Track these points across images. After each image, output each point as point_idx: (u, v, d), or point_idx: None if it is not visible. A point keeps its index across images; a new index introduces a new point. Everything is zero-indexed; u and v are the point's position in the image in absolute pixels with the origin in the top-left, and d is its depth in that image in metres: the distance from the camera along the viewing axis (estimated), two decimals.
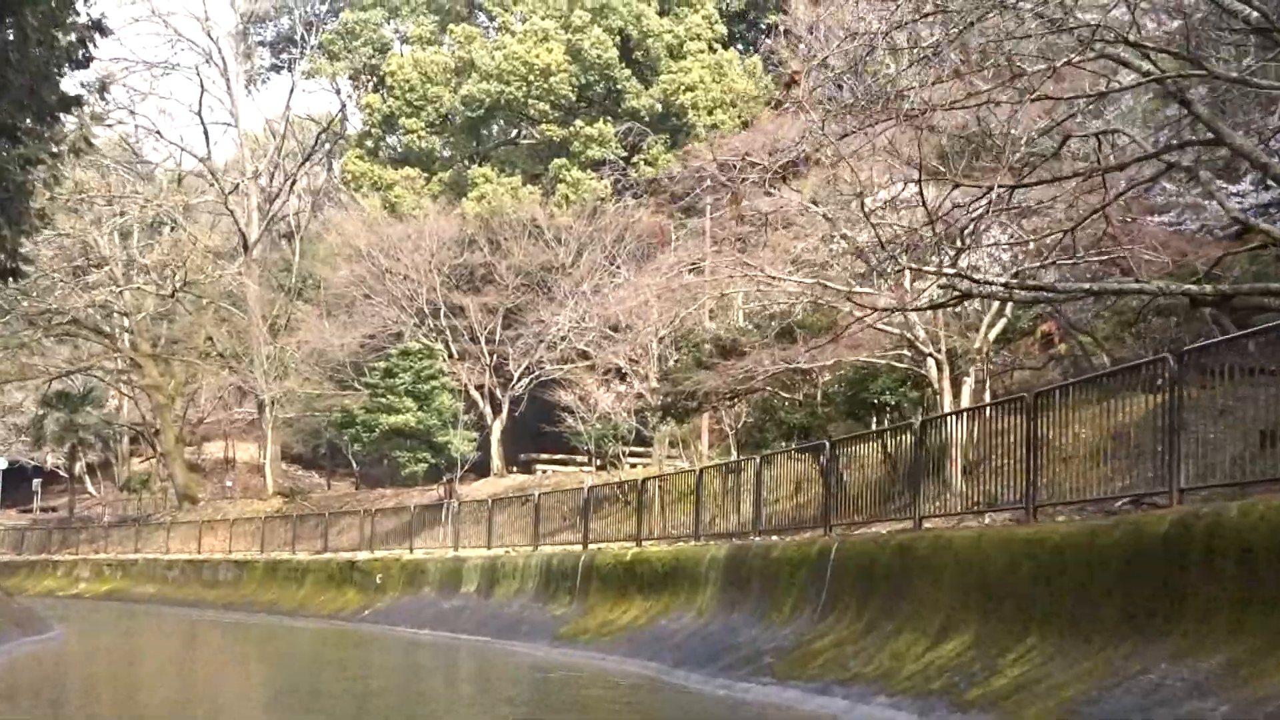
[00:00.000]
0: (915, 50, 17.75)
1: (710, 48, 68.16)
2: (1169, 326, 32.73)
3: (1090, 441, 17.58)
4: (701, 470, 32.72)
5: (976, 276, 17.52)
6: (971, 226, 18.87)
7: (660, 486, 36.03)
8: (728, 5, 71.62)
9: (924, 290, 31.35)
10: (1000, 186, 18.47)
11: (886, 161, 29.18)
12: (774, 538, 26.42)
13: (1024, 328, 36.13)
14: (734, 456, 38.38)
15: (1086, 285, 18.95)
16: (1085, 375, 18.77)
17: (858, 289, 27.90)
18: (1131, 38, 16.95)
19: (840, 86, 30.30)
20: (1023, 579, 15.62)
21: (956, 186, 18.97)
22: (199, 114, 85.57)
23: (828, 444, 25.17)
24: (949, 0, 17.72)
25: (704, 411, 38.92)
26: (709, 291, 36.05)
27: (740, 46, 71.73)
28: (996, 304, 32.03)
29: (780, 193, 33.90)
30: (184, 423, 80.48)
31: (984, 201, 18.70)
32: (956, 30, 17.33)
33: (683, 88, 65.81)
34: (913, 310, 25.55)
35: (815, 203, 32.49)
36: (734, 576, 25.38)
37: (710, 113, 64.28)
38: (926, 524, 20.93)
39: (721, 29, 69.69)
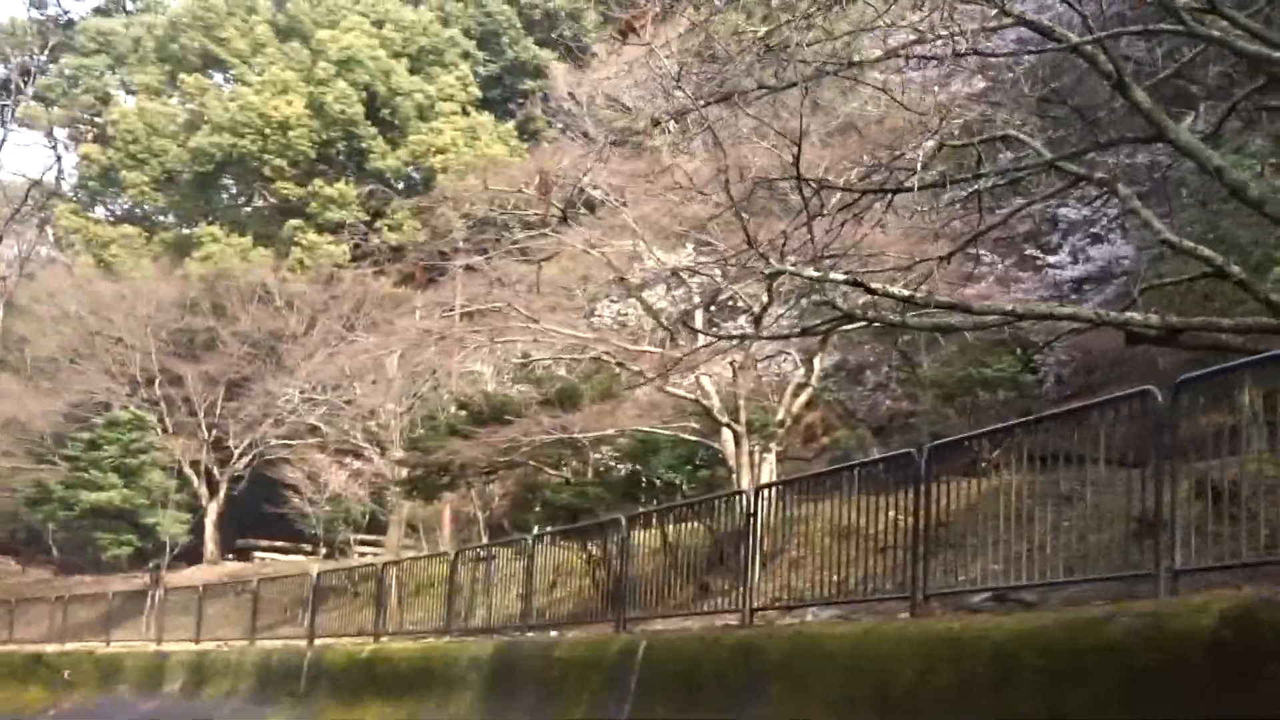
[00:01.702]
0: None
1: (464, 110, 63.99)
2: (996, 404, 29.20)
3: (1006, 512, 13.34)
4: (457, 553, 27.82)
5: (875, 285, 13.27)
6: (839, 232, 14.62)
7: (403, 574, 31.05)
8: (483, 68, 67.41)
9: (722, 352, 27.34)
10: (880, 189, 14.32)
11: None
12: (552, 633, 21.76)
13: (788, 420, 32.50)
14: (485, 542, 33.74)
15: (1008, 306, 14.84)
16: (1028, 417, 14.29)
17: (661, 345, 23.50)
18: None
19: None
20: (944, 693, 11.21)
21: (823, 188, 14.74)
22: None
23: (622, 521, 20.61)
24: None
25: (457, 487, 34.01)
26: (460, 345, 31.41)
27: (496, 113, 67.40)
28: (802, 369, 28.31)
29: (558, 235, 29.59)
30: None
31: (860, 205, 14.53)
32: None
33: (433, 150, 61.32)
34: (779, 338, 21.28)
35: (594, 246, 28.15)
36: (502, 679, 20.58)
37: (462, 177, 59.56)
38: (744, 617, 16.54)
39: (476, 91, 65.50)
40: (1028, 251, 31.96)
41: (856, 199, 14.72)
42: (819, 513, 16.71)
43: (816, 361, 27.92)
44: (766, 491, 17.26)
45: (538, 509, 31.75)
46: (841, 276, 13.47)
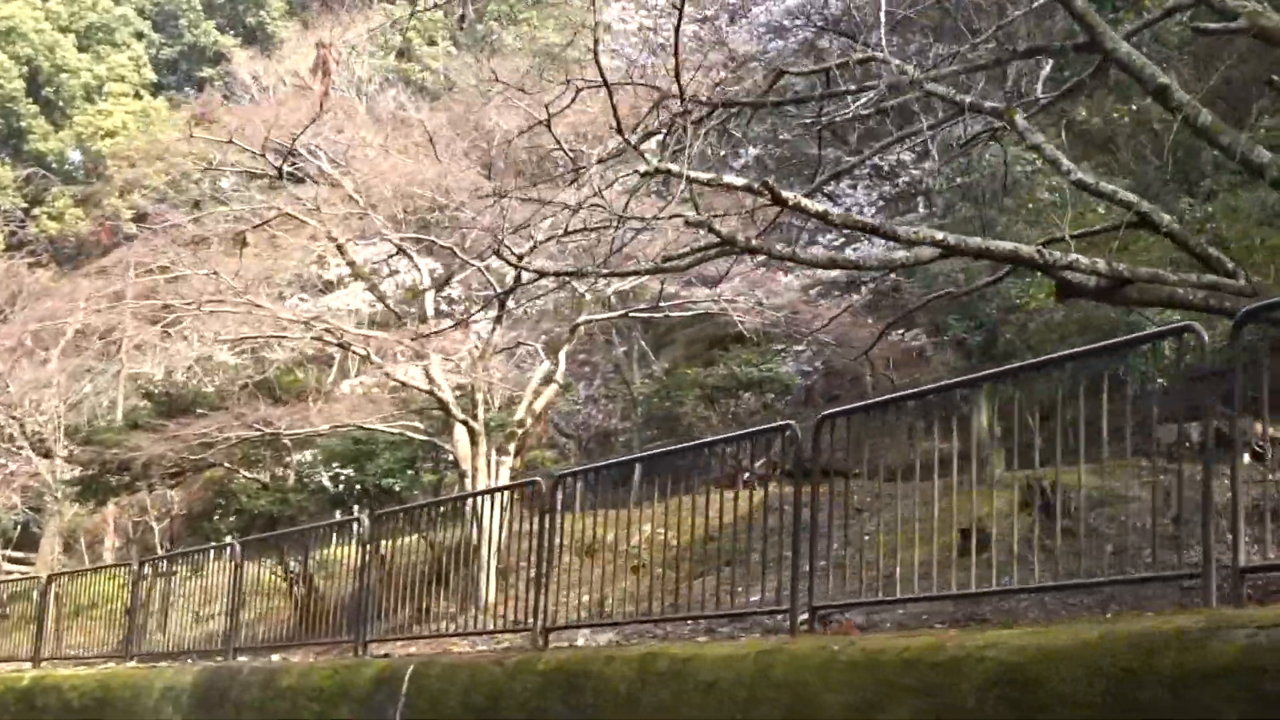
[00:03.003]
0: None
1: (137, 94, 59.16)
2: (759, 408, 26.81)
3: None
4: (141, 564, 23.75)
5: (785, 195, 10.25)
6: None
7: (63, 590, 26.54)
8: (159, 51, 62.62)
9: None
10: (743, 102, 11.37)
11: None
12: (274, 657, 18.13)
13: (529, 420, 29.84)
14: (166, 552, 29.60)
15: (938, 235, 11.95)
16: (937, 384, 11.10)
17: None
18: None
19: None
20: None
21: (685, 99, 11.71)
22: None
23: (365, 521, 17.15)
24: None
25: (137, 489, 29.75)
26: (149, 322, 27.45)
27: (172, 98, 62.66)
28: (547, 364, 25.28)
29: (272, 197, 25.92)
30: None
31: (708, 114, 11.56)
32: None
33: (101, 133, 56.33)
34: (629, 274, 17.91)
35: (319, 209, 24.49)
36: (210, 711, 16.88)
37: (133, 165, 54.92)
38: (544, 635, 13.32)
39: (150, 74, 60.79)
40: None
41: (707, 114, 11.76)
42: (643, 513, 13.72)
43: (562, 355, 24.93)
44: (570, 480, 14.03)
45: (226, 516, 27.97)
46: (741, 181, 10.49)
